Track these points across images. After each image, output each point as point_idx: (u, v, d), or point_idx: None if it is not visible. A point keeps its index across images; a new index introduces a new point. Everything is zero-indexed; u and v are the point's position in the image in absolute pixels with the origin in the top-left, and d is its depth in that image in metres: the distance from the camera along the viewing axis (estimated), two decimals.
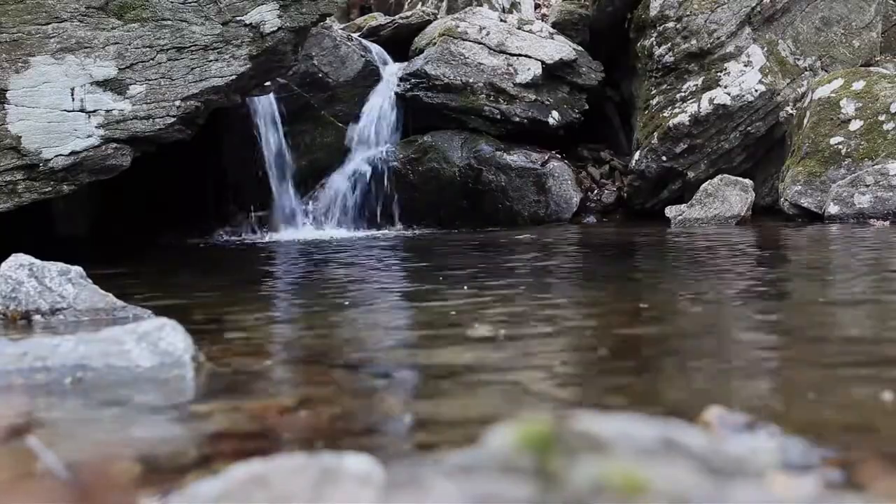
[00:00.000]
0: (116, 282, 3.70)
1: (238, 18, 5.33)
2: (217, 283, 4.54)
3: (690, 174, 7.24)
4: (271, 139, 7.21)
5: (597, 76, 7.84)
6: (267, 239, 6.86)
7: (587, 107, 7.77)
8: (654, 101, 7.40)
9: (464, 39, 7.74)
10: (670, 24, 7.34)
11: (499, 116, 7.52)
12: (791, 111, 7.15)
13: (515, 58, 7.69)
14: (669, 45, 7.32)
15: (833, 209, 6.34)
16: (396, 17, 8.53)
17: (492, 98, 7.54)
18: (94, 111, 5.07)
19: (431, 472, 1.01)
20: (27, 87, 5.00)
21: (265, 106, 7.17)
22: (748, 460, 1.04)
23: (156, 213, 6.96)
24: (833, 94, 6.75)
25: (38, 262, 3.20)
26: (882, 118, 6.58)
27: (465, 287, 3.93)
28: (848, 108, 6.67)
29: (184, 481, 1.44)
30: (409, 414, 2.00)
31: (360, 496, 1.08)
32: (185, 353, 2.30)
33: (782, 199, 6.75)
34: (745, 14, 7.27)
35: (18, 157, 4.98)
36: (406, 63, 7.79)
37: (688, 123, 7.16)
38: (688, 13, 7.28)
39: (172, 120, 5.19)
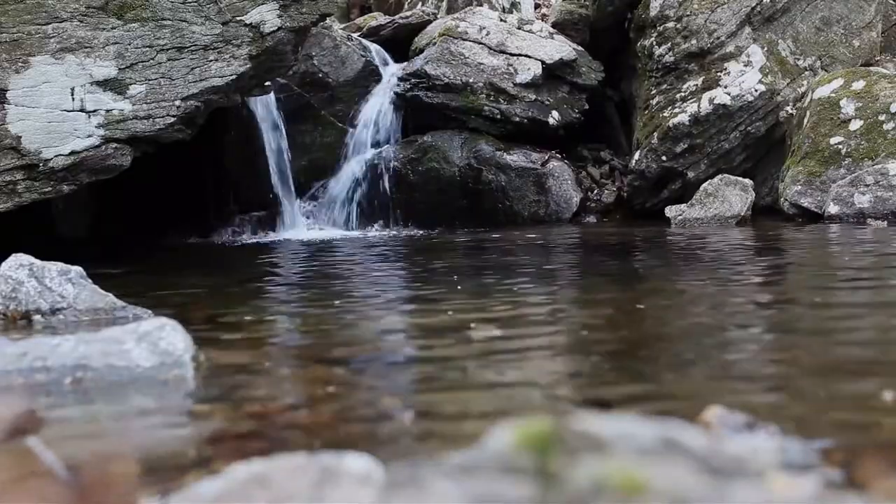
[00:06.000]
0: (116, 282, 3.70)
1: (238, 18, 5.33)
2: (217, 282, 4.53)
3: (690, 174, 7.24)
4: (271, 139, 7.21)
5: (597, 76, 7.84)
6: (267, 239, 6.86)
7: (587, 107, 7.78)
8: (654, 101, 7.40)
9: (464, 39, 7.75)
10: (670, 24, 7.34)
11: (499, 116, 7.52)
12: (791, 111, 7.15)
13: (515, 58, 7.70)
14: (669, 44, 7.32)
15: (833, 209, 6.34)
16: (396, 16, 8.54)
17: (492, 98, 7.54)
18: (94, 111, 5.07)
19: (431, 472, 1.01)
20: (27, 87, 5.00)
21: (265, 106, 7.18)
22: (748, 460, 1.04)
23: (156, 213, 6.96)
24: (833, 94, 6.75)
25: (38, 262, 3.20)
26: (882, 118, 6.57)
27: (466, 286, 3.93)
28: (848, 107, 6.67)
29: (184, 481, 1.44)
30: (410, 413, 2.00)
31: (360, 496, 1.08)
32: (185, 353, 2.30)
33: (782, 199, 6.75)
34: (745, 14, 7.27)
35: (18, 157, 4.98)
36: (406, 63, 7.79)
37: (688, 123, 7.16)
38: (688, 13, 7.28)
39: (172, 120, 5.19)
